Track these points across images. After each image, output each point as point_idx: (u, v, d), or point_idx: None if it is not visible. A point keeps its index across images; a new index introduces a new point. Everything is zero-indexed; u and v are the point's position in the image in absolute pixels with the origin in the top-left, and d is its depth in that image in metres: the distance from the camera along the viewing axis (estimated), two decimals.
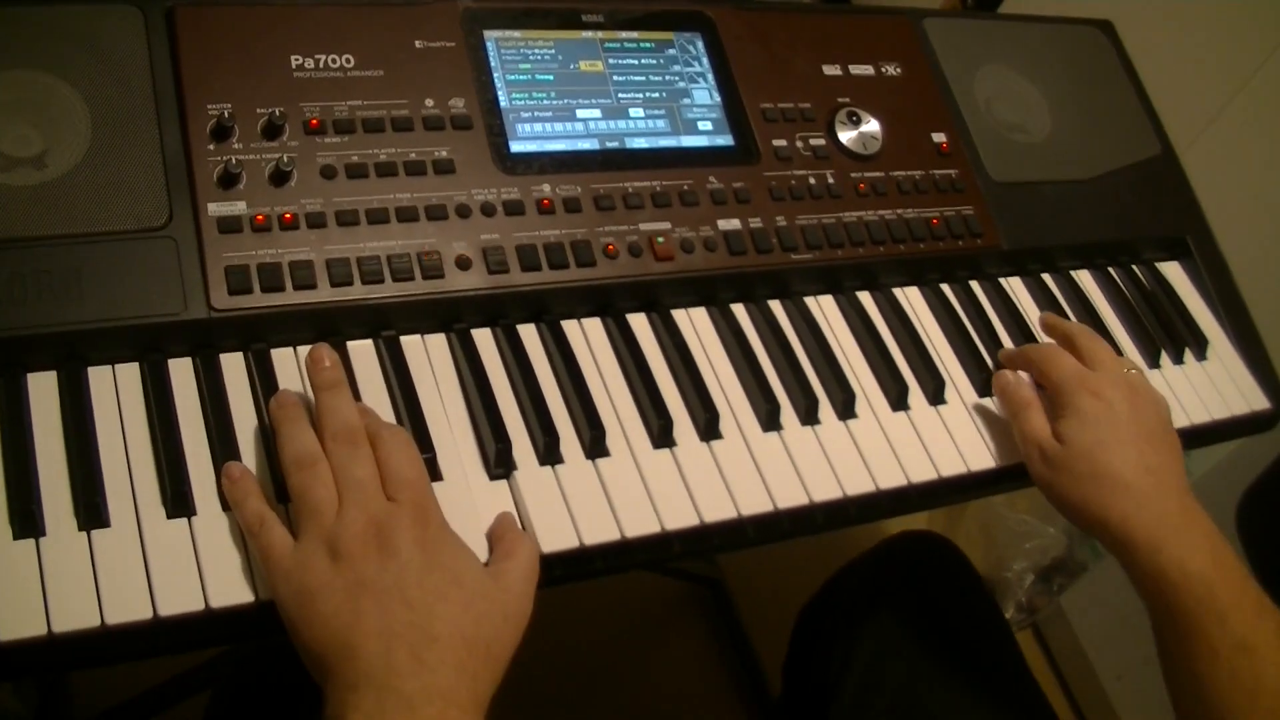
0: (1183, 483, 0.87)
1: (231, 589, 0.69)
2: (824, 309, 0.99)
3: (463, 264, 0.84)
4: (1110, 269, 1.15)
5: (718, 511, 0.83)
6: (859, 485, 0.88)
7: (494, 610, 0.69)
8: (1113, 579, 1.85)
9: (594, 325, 0.90)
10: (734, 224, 0.94)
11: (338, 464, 0.70)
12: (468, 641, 0.66)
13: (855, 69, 1.07)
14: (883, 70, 1.09)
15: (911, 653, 1.08)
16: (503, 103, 0.92)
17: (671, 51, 1.00)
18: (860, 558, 1.22)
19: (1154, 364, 1.08)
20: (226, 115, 0.81)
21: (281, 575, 0.67)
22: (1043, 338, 1.02)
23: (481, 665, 0.66)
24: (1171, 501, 0.85)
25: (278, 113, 0.83)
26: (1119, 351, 1.05)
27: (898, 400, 0.95)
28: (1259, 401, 1.11)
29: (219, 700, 0.98)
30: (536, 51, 0.95)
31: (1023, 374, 0.96)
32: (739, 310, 0.95)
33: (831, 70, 1.06)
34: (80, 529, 0.69)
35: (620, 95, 0.97)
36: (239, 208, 0.80)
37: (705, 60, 1.01)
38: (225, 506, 0.72)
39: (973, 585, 1.16)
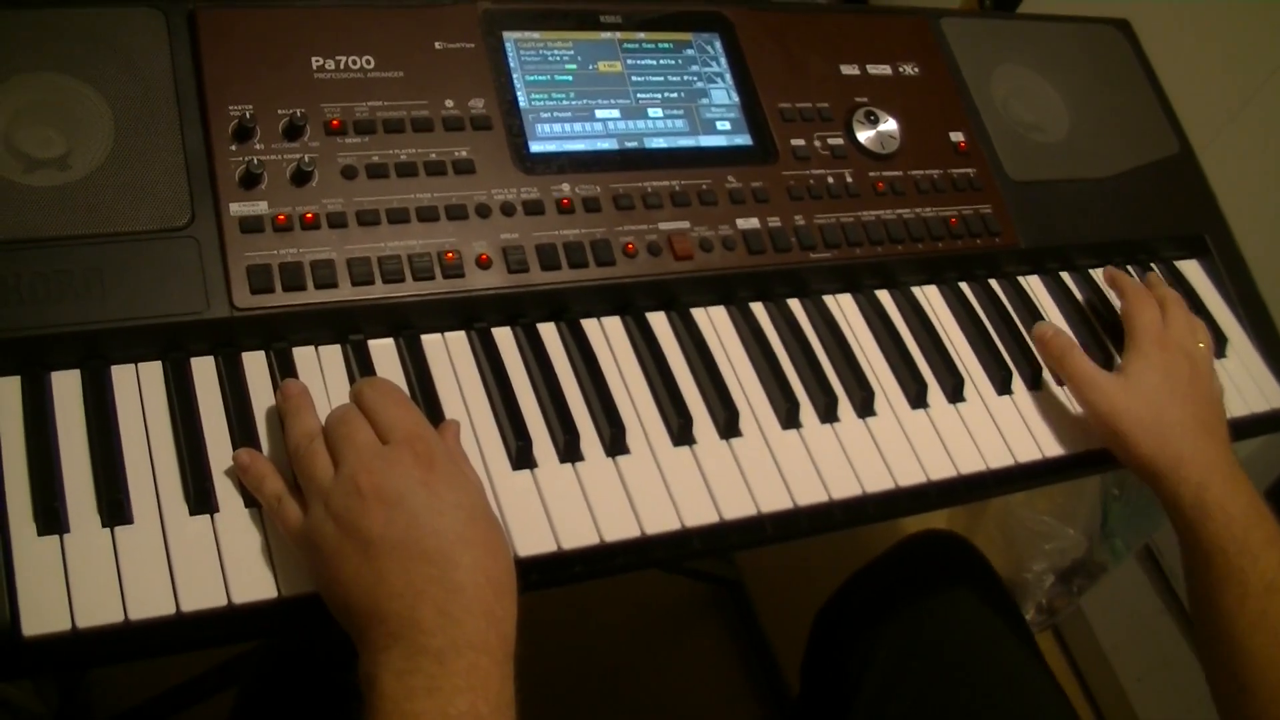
0: (1231, 449, 0.92)
1: (254, 585, 0.69)
2: (843, 307, 0.99)
3: (483, 263, 0.84)
4: (1129, 267, 1.14)
5: (737, 509, 0.83)
6: (878, 483, 0.88)
7: (502, 539, 0.69)
8: (1132, 581, 1.84)
9: (613, 324, 0.90)
10: (753, 223, 0.95)
11: (331, 435, 0.71)
12: (492, 582, 0.66)
13: (873, 69, 1.07)
14: (900, 70, 1.09)
15: (931, 653, 1.07)
16: (522, 103, 0.92)
17: (690, 52, 1.00)
18: (879, 557, 1.21)
19: None
20: (248, 116, 0.82)
21: (299, 547, 0.69)
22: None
23: (497, 603, 0.66)
24: (1223, 455, 0.91)
25: (299, 113, 0.83)
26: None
27: (917, 398, 0.95)
28: (1279, 399, 1.10)
29: (245, 699, 0.98)
30: (555, 52, 0.95)
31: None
32: (758, 309, 0.96)
33: (849, 70, 1.06)
34: (103, 526, 0.69)
35: (639, 95, 0.97)
36: (261, 208, 0.80)
37: (723, 60, 1.01)
38: (247, 504, 0.73)
39: (992, 585, 1.16)
